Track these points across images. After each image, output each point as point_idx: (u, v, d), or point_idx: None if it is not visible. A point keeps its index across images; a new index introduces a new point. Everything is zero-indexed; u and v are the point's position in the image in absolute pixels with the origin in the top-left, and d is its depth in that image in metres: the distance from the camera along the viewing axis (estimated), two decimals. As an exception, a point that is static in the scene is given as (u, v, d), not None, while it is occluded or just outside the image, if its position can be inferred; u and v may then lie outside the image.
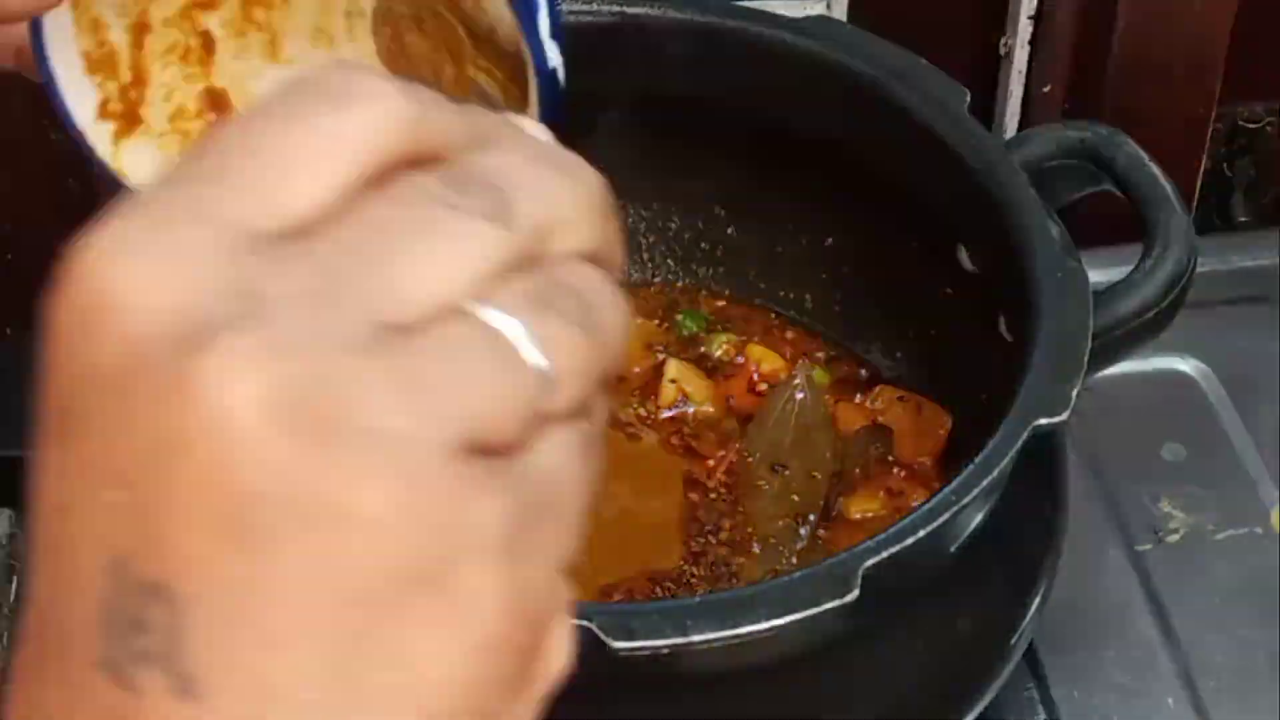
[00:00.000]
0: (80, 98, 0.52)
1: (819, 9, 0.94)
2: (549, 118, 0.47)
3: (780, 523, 0.72)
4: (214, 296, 0.29)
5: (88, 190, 0.95)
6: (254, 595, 0.29)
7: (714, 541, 0.72)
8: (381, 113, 0.31)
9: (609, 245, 0.33)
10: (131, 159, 0.54)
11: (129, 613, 0.30)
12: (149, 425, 0.29)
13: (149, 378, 0.29)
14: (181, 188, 0.31)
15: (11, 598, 1.12)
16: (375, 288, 0.29)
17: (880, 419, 0.76)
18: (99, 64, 0.52)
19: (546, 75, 0.47)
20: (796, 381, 0.75)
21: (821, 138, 0.75)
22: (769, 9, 0.77)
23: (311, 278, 0.29)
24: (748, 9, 0.75)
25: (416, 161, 0.31)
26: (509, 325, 0.30)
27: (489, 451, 0.30)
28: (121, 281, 0.30)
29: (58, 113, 0.52)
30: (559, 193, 0.32)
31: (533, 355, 0.30)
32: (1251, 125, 1.06)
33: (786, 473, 0.74)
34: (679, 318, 0.81)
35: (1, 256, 0.95)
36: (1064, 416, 0.59)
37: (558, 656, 0.34)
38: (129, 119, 0.54)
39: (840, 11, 0.95)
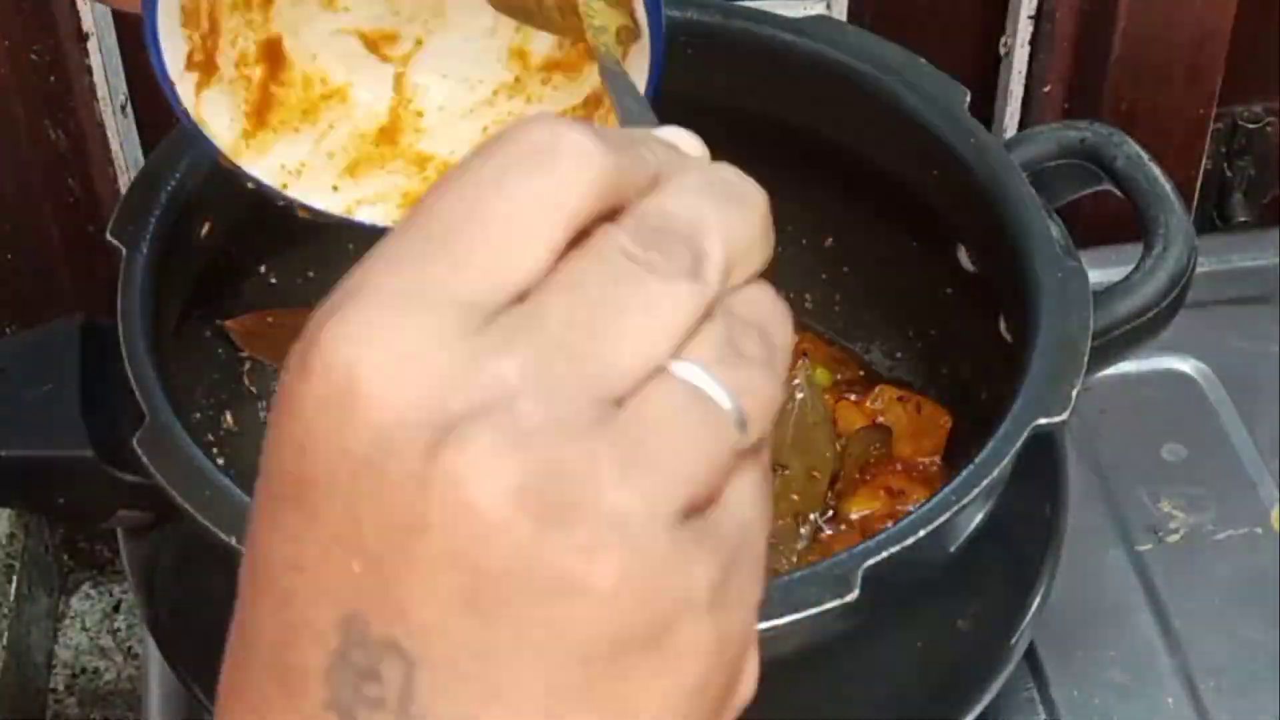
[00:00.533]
0: (174, 50, 0.53)
1: (819, 9, 0.94)
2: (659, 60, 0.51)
3: (780, 522, 0.72)
4: (456, 388, 0.31)
5: (88, 190, 0.96)
6: (486, 657, 0.32)
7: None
8: (586, 170, 0.33)
9: (770, 255, 0.35)
10: (208, 109, 0.56)
11: (359, 664, 0.33)
12: (398, 506, 0.32)
13: (400, 465, 0.32)
14: (409, 267, 0.33)
15: (11, 596, 1.12)
16: (593, 364, 0.32)
17: (880, 419, 0.76)
18: (190, 16, 0.53)
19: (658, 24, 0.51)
20: (796, 381, 0.75)
21: (821, 137, 0.75)
22: (769, 9, 0.76)
23: (536, 356, 0.32)
24: (748, 9, 0.75)
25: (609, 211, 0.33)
26: (706, 382, 0.33)
27: (698, 509, 0.33)
28: (371, 372, 0.32)
29: (153, 64, 0.53)
30: (740, 226, 0.34)
31: (727, 404, 0.33)
32: (1251, 125, 1.06)
33: (787, 472, 0.73)
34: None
35: (2, 256, 0.95)
36: (1064, 416, 0.59)
37: (749, 683, 0.36)
38: (207, 68, 0.55)
39: (840, 11, 0.95)
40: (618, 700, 0.32)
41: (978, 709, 0.63)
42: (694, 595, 0.32)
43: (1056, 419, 0.59)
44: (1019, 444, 0.58)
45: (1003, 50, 0.99)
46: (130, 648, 1.19)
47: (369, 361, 0.32)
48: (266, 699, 0.34)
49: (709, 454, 0.33)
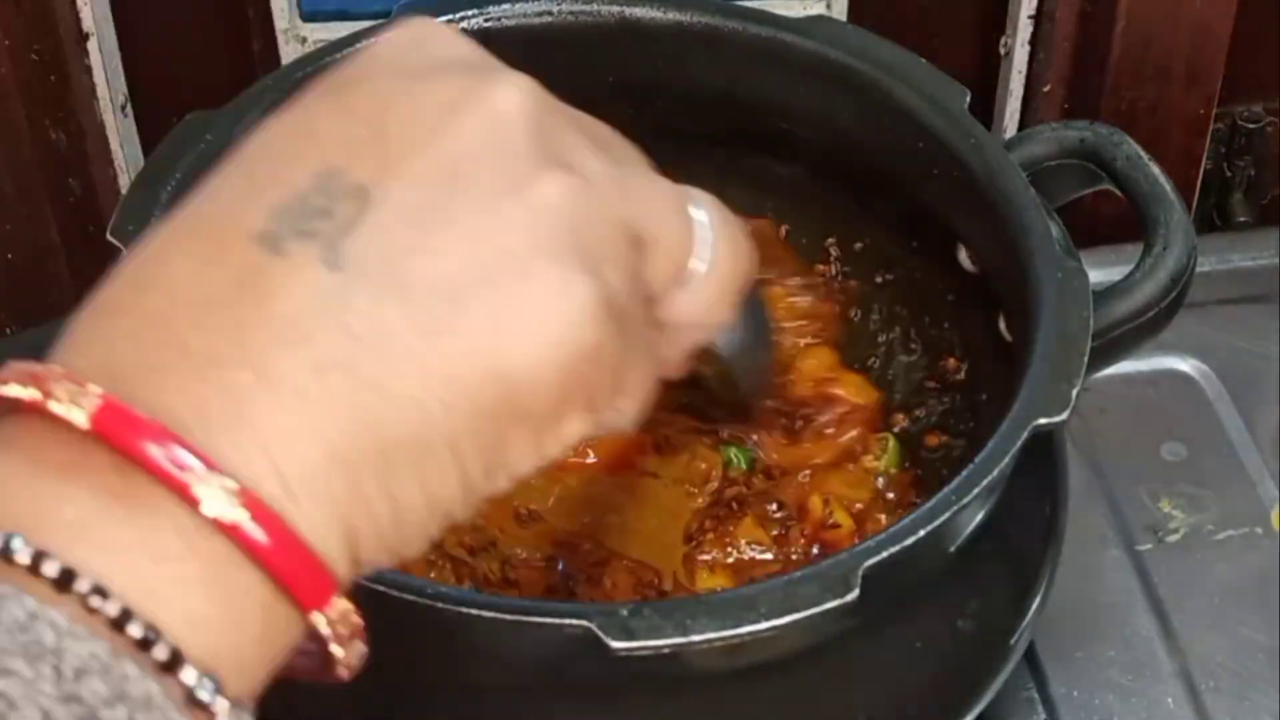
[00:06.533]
0: None
1: (819, 9, 0.94)
2: None
3: None
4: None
5: (88, 190, 0.96)
6: (438, 218, 0.39)
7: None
8: None
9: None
10: None
11: (316, 204, 0.38)
12: (432, 103, 0.40)
13: (450, 77, 0.41)
14: None
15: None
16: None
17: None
18: None
19: None
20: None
21: (820, 137, 0.75)
22: (769, 9, 0.76)
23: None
24: (748, 9, 0.75)
25: None
26: (702, 219, 0.46)
27: (637, 243, 0.42)
28: (447, 31, 0.44)
29: None
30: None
31: (706, 245, 0.45)
32: (1251, 125, 1.06)
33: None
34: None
35: (2, 256, 0.95)
36: (1064, 416, 0.59)
37: (632, 394, 0.43)
38: None
39: (840, 11, 0.95)
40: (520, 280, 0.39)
41: (978, 709, 0.63)
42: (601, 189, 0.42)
43: (1056, 419, 0.59)
44: (1019, 444, 0.58)
45: (1003, 50, 0.99)
46: (130, 648, 1.19)
47: (445, 30, 0.44)
48: (176, 239, 0.39)
49: (672, 229, 0.45)
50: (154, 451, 0.35)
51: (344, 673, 0.40)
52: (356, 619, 0.38)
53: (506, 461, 0.40)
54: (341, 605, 0.38)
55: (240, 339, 0.37)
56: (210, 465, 0.35)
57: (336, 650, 0.39)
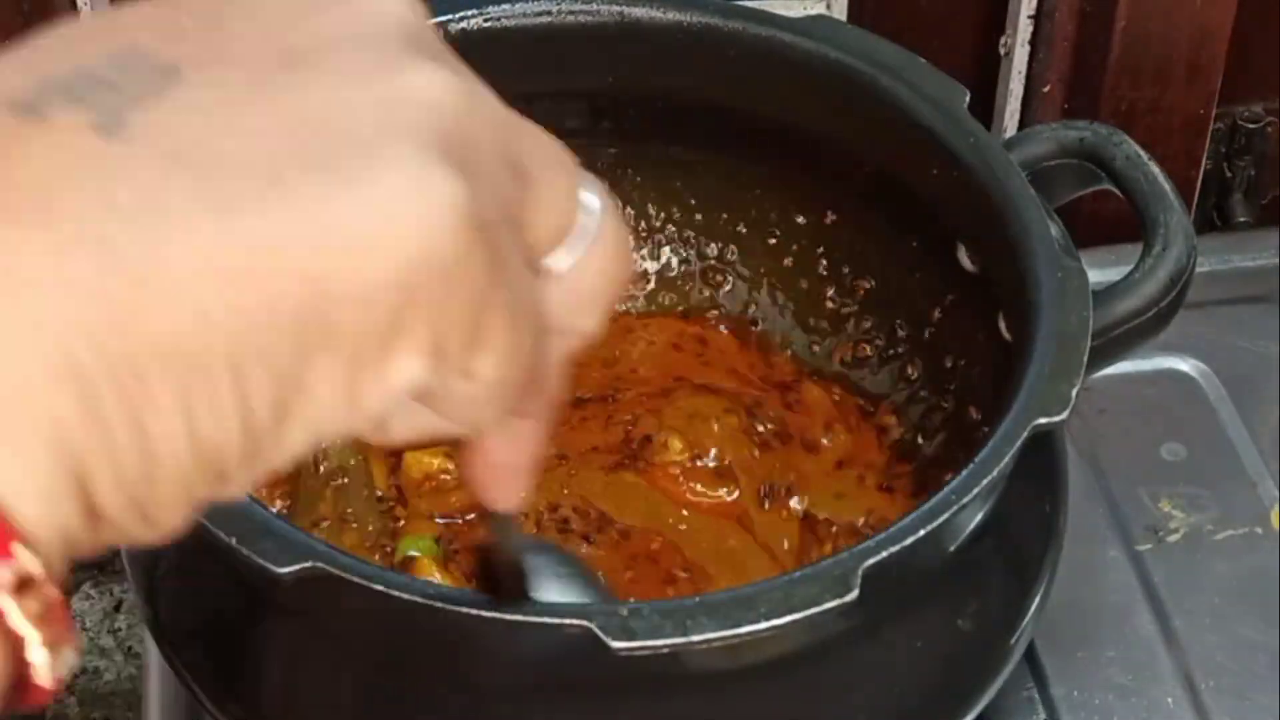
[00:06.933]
0: None
1: (819, 8, 0.94)
2: None
3: None
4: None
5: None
6: (264, 91, 0.31)
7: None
8: None
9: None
10: None
11: (102, 76, 0.30)
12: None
13: None
14: None
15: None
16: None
17: None
18: None
19: None
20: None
21: (820, 137, 0.75)
22: (769, 9, 0.76)
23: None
24: (747, 9, 0.75)
25: None
26: (592, 200, 0.36)
27: (520, 176, 0.34)
28: None
29: None
30: None
31: (587, 233, 0.36)
32: (1251, 125, 1.06)
33: None
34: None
35: (1, 256, 0.95)
36: (1064, 416, 0.59)
37: (493, 350, 0.33)
38: None
39: (840, 11, 0.95)
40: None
41: (977, 709, 0.63)
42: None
43: (1056, 418, 0.59)
44: (1019, 443, 0.58)
45: (1003, 50, 0.99)
46: (130, 648, 1.19)
47: None
48: None
49: (560, 191, 0.36)
50: None
51: (43, 682, 0.29)
52: (53, 593, 0.29)
53: (306, 401, 0.31)
54: (27, 563, 0.28)
55: None
56: None
57: (20, 626, 0.28)
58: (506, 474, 0.40)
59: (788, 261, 0.81)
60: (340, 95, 0.31)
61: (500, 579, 0.52)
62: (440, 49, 0.34)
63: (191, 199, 0.29)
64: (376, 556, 0.70)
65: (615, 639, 0.51)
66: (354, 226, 0.30)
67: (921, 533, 0.56)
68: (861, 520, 0.73)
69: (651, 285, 0.83)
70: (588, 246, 0.36)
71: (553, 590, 0.55)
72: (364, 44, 0.32)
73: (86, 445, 0.28)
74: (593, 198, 0.37)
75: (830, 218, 0.79)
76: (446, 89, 0.32)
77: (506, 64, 0.74)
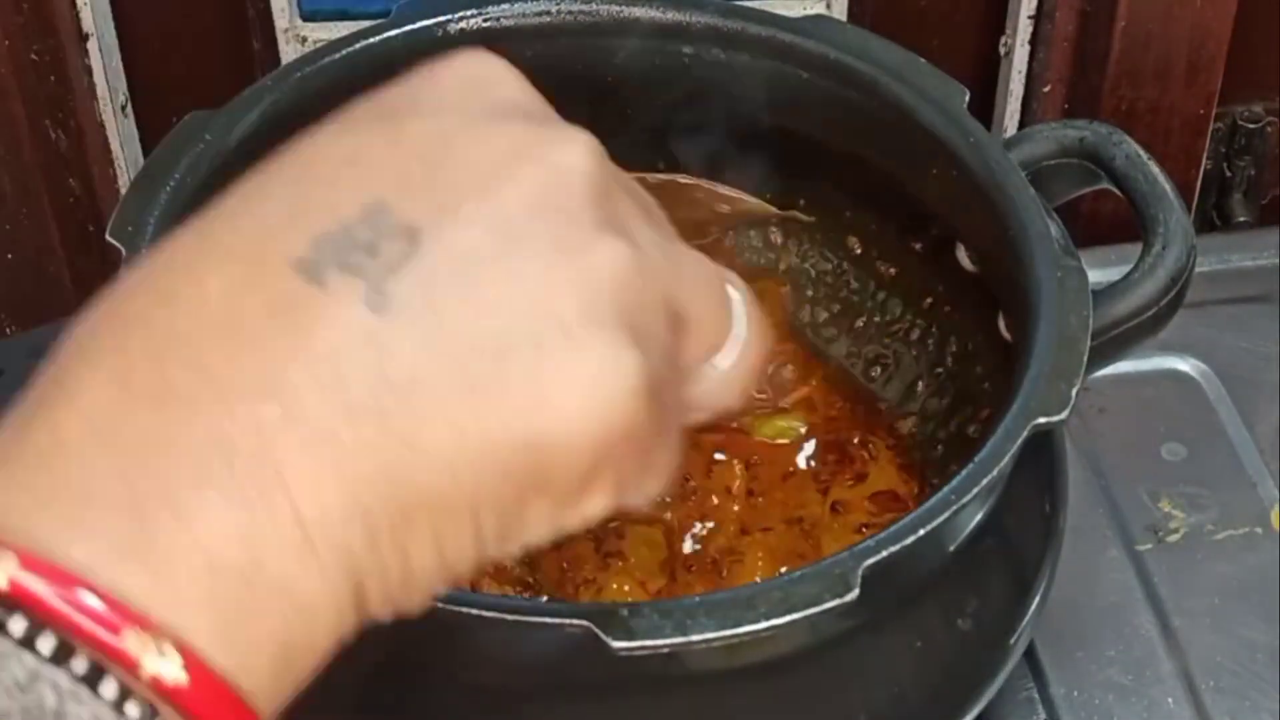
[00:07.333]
0: None
1: (818, 8, 0.94)
2: None
3: None
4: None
5: (88, 190, 0.96)
6: (487, 266, 0.37)
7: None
8: None
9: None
10: None
11: (362, 237, 0.36)
12: (499, 145, 0.39)
13: (513, 125, 0.40)
14: None
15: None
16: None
17: None
18: None
19: None
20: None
21: (819, 137, 0.75)
22: (769, 9, 0.76)
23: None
24: (747, 8, 0.75)
25: None
26: (738, 303, 0.44)
27: (678, 321, 0.41)
28: (511, 73, 0.42)
29: None
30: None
31: (740, 326, 0.44)
32: (1251, 125, 1.06)
33: None
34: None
35: (2, 256, 0.95)
36: (1064, 415, 0.59)
37: (658, 476, 0.41)
38: None
39: (840, 11, 0.95)
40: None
41: (977, 708, 0.63)
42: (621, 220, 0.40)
43: (1056, 418, 0.59)
44: (1018, 443, 0.58)
45: (1003, 50, 0.99)
46: (130, 648, 1.19)
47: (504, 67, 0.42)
48: (228, 256, 0.36)
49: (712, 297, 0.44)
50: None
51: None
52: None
53: (522, 529, 0.38)
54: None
55: (270, 371, 0.35)
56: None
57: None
58: None
59: (784, 260, 0.81)
60: (546, 273, 0.37)
61: None
62: (619, 208, 0.40)
63: (443, 380, 0.36)
64: None
65: (615, 639, 0.51)
66: (562, 402, 0.37)
67: (921, 532, 0.56)
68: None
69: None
70: (740, 350, 0.44)
71: None
72: (561, 212, 0.38)
73: (367, 569, 0.36)
74: (738, 298, 0.44)
75: (828, 217, 0.79)
76: (628, 265, 0.38)
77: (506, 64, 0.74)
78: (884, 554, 0.55)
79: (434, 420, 0.36)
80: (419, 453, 0.36)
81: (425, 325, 0.36)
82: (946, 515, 0.56)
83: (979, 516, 0.62)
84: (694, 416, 0.44)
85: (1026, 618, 0.65)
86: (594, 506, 0.39)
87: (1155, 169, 0.69)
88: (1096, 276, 0.65)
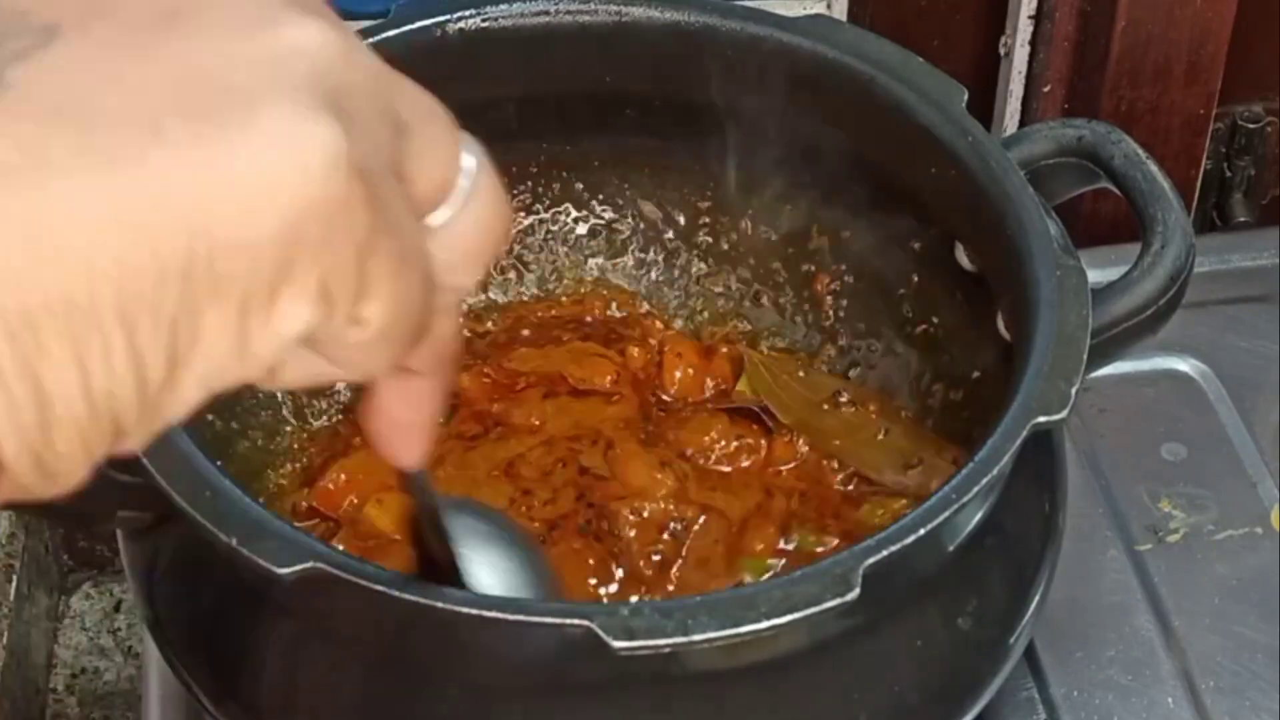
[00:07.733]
0: None
1: (818, 8, 0.94)
2: None
3: None
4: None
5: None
6: (143, 48, 0.32)
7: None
8: None
9: None
10: None
11: None
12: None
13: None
14: None
15: (11, 596, 1.12)
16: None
17: None
18: None
19: None
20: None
21: (819, 136, 0.75)
22: (768, 9, 0.76)
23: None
24: (747, 8, 0.75)
25: None
26: (469, 159, 0.37)
27: (399, 128, 0.35)
28: None
29: None
30: None
31: (462, 192, 0.37)
32: (1251, 125, 1.06)
33: None
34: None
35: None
36: (1063, 415, 0.59)
37: (379, 297, 0.34)
38: None
39: (840, 11, 0.95)
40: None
41: (977, 708, 0.63)
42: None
43: (1056, 417, 0.59)
44: (1018, 442, 0.58)
45: (1003, 50, 0.99)
46: (130, 648, 1.19)
47: None
48: None
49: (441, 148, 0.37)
50: None
51: None
52: None
53: (198, 351, 0.32)
54: None
55: None
56: None
57: None
58: (406, 431, 0.41)
59: (784, 260, 0.81)
60: (219, 48, 0.32)
61: (425, 540, 0.53)
62: (318, 5, 0.34)
63: (74, 154, 0.30)
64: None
65: (615, 639, 0.51)
66: (234, 175, 0.31)
67: (921, 532, 0.56)
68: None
69: (651, 285, 0.83)
70: (465, 202, 0.37)
71: (472, 545, 0.55)
72: (250, 3, 0.33)
73: None
74: (470, 157, 0.37)
75: (827, 216, 0.79)
76: (324, 40, 0.33)
77: (505, 64, 0.74)
78: (884, 553, 0.55)
79: (64, 202, 0.30)
80: (43, 245, 0.29)
81: (53, 102, 0.30)
82: (946, 515, 0.56)
83: (979, 516, 0.62)
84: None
85: (1026, 618, 0.65)
86: (290, 319, 0.33)
87: (1154, 168, 0.69)
88: (1096, 276, 0.65)
